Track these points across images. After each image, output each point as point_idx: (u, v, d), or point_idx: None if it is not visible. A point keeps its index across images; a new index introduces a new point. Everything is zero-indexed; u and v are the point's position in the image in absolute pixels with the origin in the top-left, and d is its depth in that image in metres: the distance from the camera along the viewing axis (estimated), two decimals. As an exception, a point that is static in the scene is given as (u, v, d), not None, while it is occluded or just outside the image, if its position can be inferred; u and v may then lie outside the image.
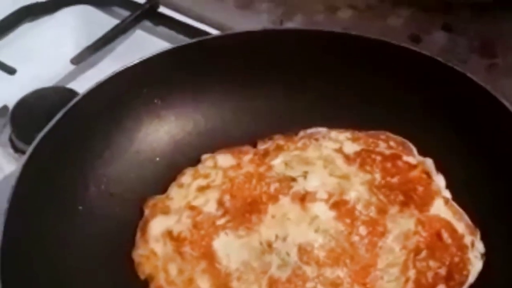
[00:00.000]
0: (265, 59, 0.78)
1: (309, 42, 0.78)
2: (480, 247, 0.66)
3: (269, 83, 0.78)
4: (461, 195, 0.70)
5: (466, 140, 0.72)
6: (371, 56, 0.76)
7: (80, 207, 0.69)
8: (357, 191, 0.69)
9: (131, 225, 0.69)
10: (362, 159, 0.71)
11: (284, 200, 0.68)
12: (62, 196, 0.68)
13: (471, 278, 0.64)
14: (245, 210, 0.68)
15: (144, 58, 0.75)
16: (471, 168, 0.71)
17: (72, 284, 0.63)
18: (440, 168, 0.71)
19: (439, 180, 0.70)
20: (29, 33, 0.96)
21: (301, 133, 0.75)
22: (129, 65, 0.74)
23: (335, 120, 0.76)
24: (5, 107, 0.85)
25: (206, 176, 0.71)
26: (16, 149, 0.83)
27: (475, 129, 0.72)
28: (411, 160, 0.71)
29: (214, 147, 0.75)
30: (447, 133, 0.73)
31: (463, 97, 0.73)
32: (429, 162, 0.71)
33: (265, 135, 0.76)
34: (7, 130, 0.84)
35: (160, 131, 0.77)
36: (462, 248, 0.65)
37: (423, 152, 0.73)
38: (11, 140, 0.83)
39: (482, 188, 0.69)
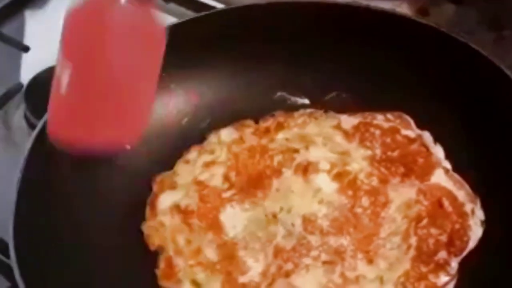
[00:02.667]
0: (271, 33, 0.79)
1: (315, 14, 0.78)
2: (480, 214, 0.68)
3: (275, 57, 0.80)
4: (460, 164, 0.71)
5: (467, 111, 0.73)
6: (375, 28, 0.77)
7: (91, 180, 0.71)
8: (358, 165, 0.71)
9: (140, 198, 0.72)
10: (361, 133, 0.73)
11: (288, 173, 0.71)
12: (73, 168, 0.70)
13: (472, 244, 0.66)
14: (250, 186, 0.70)
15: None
16: (471, 139, 0.72)
17: (83, 257, 0.66)
18: (439, 139, 0.73)
19: (438, 152, 0.72)
20: (42, 11, 0.98)
21: (301, 111, 0.77)
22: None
23: (333, 96, 0.78)
24: (19, 84, 0.88)
25: (211, 152, 0.74)
26: (31, 126, 0.85)
27: (476, 100, 0.73)
28: (410, 133, 0.73)
29: (219, 120, 0.77)
30: (447, 104, 0.74)
31: (465, 67, 0.73)
32: (426, 136, 0.73)
33: (267, 110, 0.78)
34: (22, 107, 0.86)
35: (169, 105, 0.79)
36: (463, 216, 0.67)
37: (421, 124, 0.74)
38: (26, 117, 0.86)
39: (482, 157, 0.71)
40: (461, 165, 0.71)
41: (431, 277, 0.64)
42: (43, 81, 0.85)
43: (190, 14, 0.93)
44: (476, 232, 0.67)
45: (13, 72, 0.90)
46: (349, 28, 0.78)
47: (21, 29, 0.95)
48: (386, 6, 0.81)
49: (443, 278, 0.64)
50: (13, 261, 0.59)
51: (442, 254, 0.65)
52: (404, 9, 0.90)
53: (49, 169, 0.68)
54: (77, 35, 0.64)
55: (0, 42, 0.92)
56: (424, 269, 0.64)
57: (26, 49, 0.91)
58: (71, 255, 0.65)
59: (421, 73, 0.76)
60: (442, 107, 0.74)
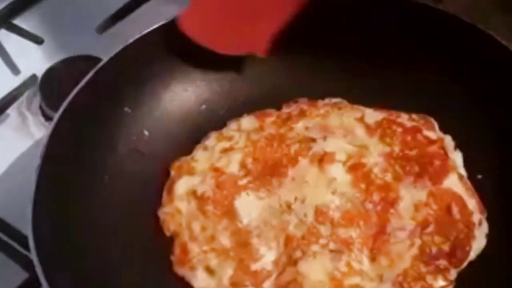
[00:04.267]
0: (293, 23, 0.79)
1: (338, 4, 0.79)
2: (485, 226, 0.68)
3: (298, 47, 0.80)
4: (476, 174, 0.72)
5: (490, 116, 0.74)
6: (394, 18, 0.78)
7: (110, 165, 0.73)
8: (374, 159, 0.71)
9: (157, 183, 0.74)
10: (382, 129, 0.73)
11: (303, 162, 0.71)
12: (93, 154, 0.72)
13: (473, 254, 0.67)
14: (266, 173, 0.71)
15: (168, 20, 0.78)
16: (494, 149, 0.73)
17: (100, 239, 0.68)
18: (459, 146, 0.73)
19: (457, 158, 0.72)
20: (55, 3, 1.00)
21: (326, 100, 0.78)
22: (155, 27, 0.78)
23: (358, 91, 0.78)
24: (34, 76, 0.90)
25: (229, 138, 0.75)
26: (47, 117, 0.87)
27: (500, 100, 0.74)
28: (431, 135, 0.73)
29: (237, 107, 0.79)
30: (471, 108, 0.75)
31: (487, 61, 0.74)
32: (448, 139, 0.73)
33: (289, 98, 0.78)
34: (37, 99, 0.88)
35: (188, 90, 0.80)
36: (469, 225, 0.67)
37: (444, 128, 0.75)
38: (41, 108, 0.88)
39: (500, 169, 0.72)
40: (477, 175, 0.72)
41: (429, 279, 0.65)
42: (57, 73, 0.88)
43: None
44: (479, 243, 0.67)
45: (28, 64, 0.92)
46: (369, 19, 0.79)
47: (35, 22, 0.96)
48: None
49: (440, 283, 0.65)
50: (32, 253, 0.61)
51: (443, 262, 0.66)
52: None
53: (67, 159, 0.70)
54: None
55: (15, 34, 0.93)
56: (423, 269, 0.65)
57: (40, 41, 0.93)
58: (89, 245, 0.67)
59: (448, 72, 0.77)
60: (466, 111, 0.75)
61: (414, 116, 0.75)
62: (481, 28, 0.75)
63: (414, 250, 0.66)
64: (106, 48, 0.92)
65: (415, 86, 0.77)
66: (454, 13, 0.76)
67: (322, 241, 0.66)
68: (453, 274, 0.66)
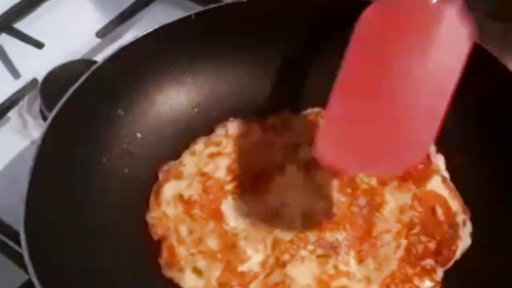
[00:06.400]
0: (280, 28, 0.81)
1: (321, 8, 0.80)
2: (469, 226, 0.70)
3: (285, 52, 0.82)
4: (458, 177, 0.74)
5: (472, 122, 0.75)
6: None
7: (103, 167, 0.75)
8: None
9: (147, 186, 0.76)
10: None
11: (290, 168, 0.74)
12: (86, 155, 0.74)
13: (458, 254, 0.69)
14: (253, 179, 0.73)
15: (162, 24, 0.80)
16: (474, 153, 0.74)
17: (91, 241, 0.70)
18: (441, 151, 0.75)
19: (439, 161, 0.74)
20: (56, 7, 1.02)
21: (309, 110, 0.79)
22: (149, 31, 0.80)
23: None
24: (35, 80, 0.92)
25: (217, 144, 0.77)
26: (46, 120, 0.89)
27: (483, 108, 0.75)
28: None
29: (230, 111, 0.81)
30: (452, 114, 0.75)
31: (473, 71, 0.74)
32: None
33: (275, 107, 0.80)
34: (38, 102, 0.91)
35: (180, 94, 0.82)
36: (454, 226, 0.70)
37: None
38: (41, 112, 0.90)
39: (479, 173, 0.73)
40: (459, 178, 0.73)
41: (416, 281, 0.67)
42: (58, 76, 0.90)
43: (199, 8, 0.96)
44: (464, 242, 0.69)
45: (28, 68, 0.94)
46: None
47: (36, 26, 0.98)
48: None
49: (427, 284, 0.67)
50: (24, 252, 0.63)
51: (429, 261, 0.68)
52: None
53: (60, 161, 0.72)
54: (368, 39, 0.59)
55: (16, 39, 0.96)
56: (410, 271, 0.67)
57: (41, 45, 0.95)
58: (79, 246, 0.68)
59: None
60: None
61: None
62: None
63: (401, 252, 0.68)
64: (106, 53, 0.95)
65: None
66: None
67: (310, 247, 0.68)
68: (439, 274, 0.67)
